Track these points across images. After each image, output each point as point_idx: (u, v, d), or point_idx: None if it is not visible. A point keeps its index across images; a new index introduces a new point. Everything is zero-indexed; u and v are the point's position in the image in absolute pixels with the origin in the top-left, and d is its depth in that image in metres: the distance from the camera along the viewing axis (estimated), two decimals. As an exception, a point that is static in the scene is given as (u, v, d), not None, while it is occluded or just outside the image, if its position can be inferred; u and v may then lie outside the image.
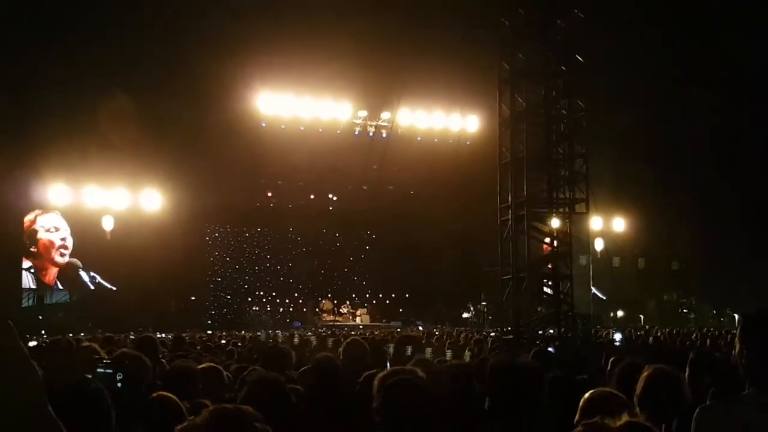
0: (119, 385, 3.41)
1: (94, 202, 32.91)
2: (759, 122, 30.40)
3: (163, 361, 6.66)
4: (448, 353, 6.83)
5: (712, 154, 32.35)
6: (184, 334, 15.56)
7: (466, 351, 11.60)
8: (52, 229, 32.62)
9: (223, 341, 16.37)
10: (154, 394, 4.03)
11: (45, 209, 32.35)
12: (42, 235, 32.42)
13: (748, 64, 29.52)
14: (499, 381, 4.18)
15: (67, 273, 33.02)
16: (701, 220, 32.39)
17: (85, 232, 32.67)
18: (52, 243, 32.57)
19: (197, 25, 29.07)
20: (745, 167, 31.81)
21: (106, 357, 4.01)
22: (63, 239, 32.78)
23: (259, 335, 20.75)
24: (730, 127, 31.43)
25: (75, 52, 27.68)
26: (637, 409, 3.97)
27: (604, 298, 35.88)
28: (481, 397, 4.43)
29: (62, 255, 32.86)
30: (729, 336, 14.62)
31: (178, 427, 1.76)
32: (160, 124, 30.02)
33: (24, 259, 31.56)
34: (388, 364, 5.89)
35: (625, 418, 2.01)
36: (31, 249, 32.07)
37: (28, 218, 31.81)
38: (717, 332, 19.73)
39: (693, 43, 28.26)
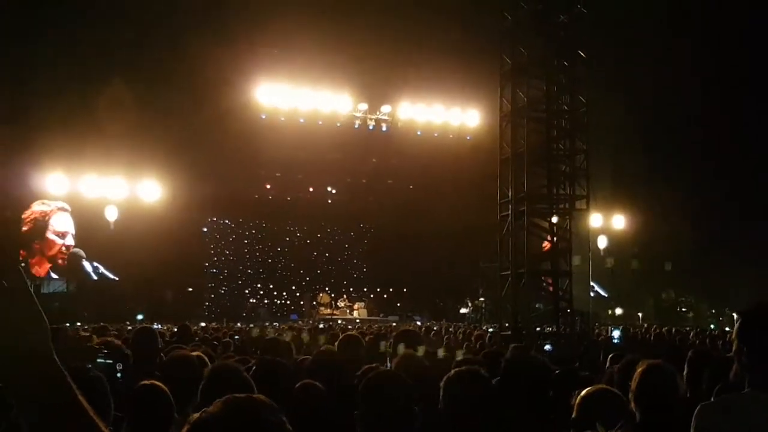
0: (119, 375, 3.40)
1: (93, 191, 32.79)
2: (760, 119, 30.40)
3: (162, 355, 6.61)
4: (440, 352, 6.81)
5: (713, 151, 32.37)
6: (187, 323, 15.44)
7: (463, 347, 11.59)
8: (62, 234, 32.35)
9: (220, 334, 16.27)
10: (144, 382, 3.98)
11: (62, 207, 32.07)
12: (50, 236, 32.11)
13: (751, 61, 29.53)
14: (516, 375, 4.22)
15: (69, 263, 32.84)
16: (701, 217, 32.35)
17: (85, 222, 32.54)
18: (58, 247, 32.29)
19: (198, 16, 29.03)
20: (746, 164, 31.79)
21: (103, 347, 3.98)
22: (68, 246, 32.58)
23: (251, 327, 20.70)
24: (731, 124, 31.44)
25: (75, 40, 27.63)
26: (633, 405, 3.95)
27: (606, 295, 35.83)
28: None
29: (62, 258, 32.66)
30: (728, 336, 14.59)
31: (193, 416, 1.74)
32: (160, 114, 29.97)
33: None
34: (388, 360, 5.88)
35: None
36: (35, 244, 31.77)
37: (41, 209, 31.52)
38: (716, 331, 19.73)
39: (696, 37, 28.24)
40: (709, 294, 37.61)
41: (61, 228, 32.50)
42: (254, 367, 4.69)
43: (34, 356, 1.57)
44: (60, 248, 32.39)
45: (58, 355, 1.62)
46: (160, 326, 19.94)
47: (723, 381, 4.62)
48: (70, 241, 33.17)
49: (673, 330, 18.74)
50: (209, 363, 5.76)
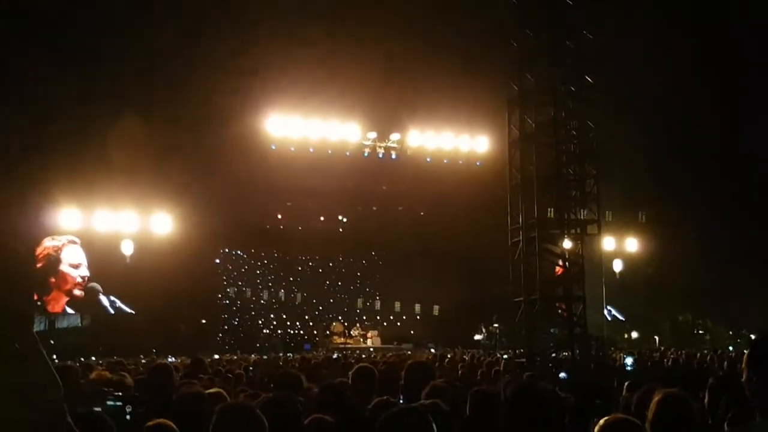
0: (128, 417, 3.39)
1: (106, 226, 32.87)
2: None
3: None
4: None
5: (726, 170, 32.17)
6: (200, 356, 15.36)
7: (478, 375, 11.53)
8: (75, 266, 32.27)
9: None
10: (150, 424, 3.95)
11: (72, 240, 31.99)
12: (65, 269, 32.02)
13: (760, 73, 29.47)
14: (521, 407, 4.19)
15: (85, 298, 32.79)
16: (716, 238, 32.11)
17: (99, 256, 32.53)
18: (73, 279, 32.24)
19: (207, 49, 29.27)
20: (761, 181, 31.51)
21: (114, 389, 3.97)
22: (84, 277, 32.55)
23: (265, 358, 20.62)
24: (744, 140, 31.25)
25: (87, 75, 27.87)
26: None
27: (623, 318, 35.52)
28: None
29: (80, 290, 32.61)
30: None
31: None
32: (171, 147, 30.11)
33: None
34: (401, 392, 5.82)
35: None
36: (51, 279, 31.67)
37: (53, 244, 31.43)
38: (733, 353, 19.50)
39: (703, 56, 28.18)
40: (726, 315, 37.15)
41: (75, 260, 32.49)
42: (264, 404, 4.67)
43: (47, 421, 1.54)
44: (75, 280, 32.46)
45: (67, 397, 1.59)
46: (174, 359, 19.90)
47: (739, 408, 4.58)
48: (84, 272, 32.84)
49: (689, 354, 18.55)
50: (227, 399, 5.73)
